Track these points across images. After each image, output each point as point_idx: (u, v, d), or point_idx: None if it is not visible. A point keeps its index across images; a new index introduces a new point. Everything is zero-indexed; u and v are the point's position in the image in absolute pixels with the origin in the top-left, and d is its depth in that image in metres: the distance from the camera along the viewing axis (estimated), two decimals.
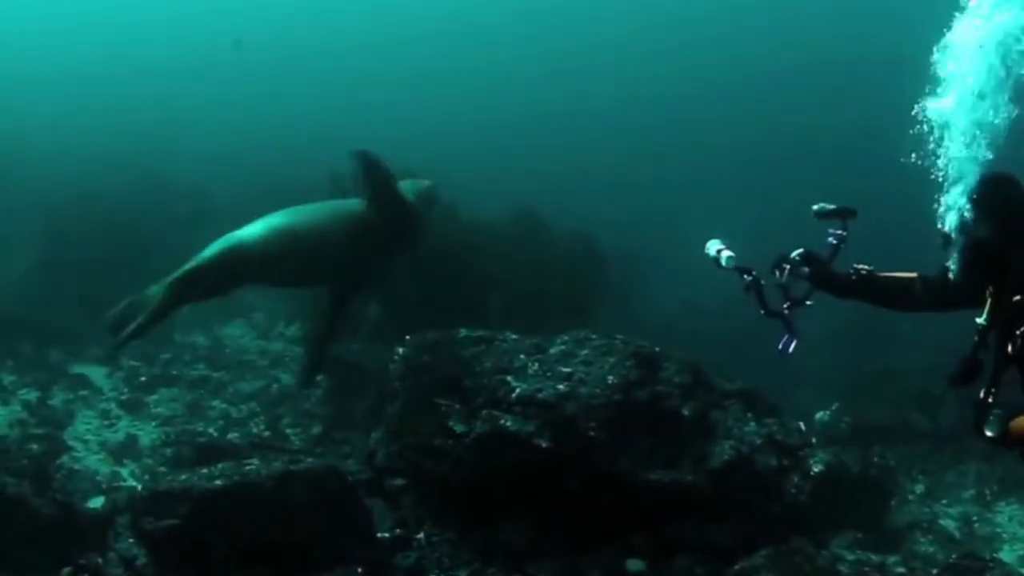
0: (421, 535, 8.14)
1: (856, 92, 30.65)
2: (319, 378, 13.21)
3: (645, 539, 7.79)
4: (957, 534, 11.39)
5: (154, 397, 13.40)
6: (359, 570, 7.06)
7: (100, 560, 7.28)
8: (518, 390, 7.69)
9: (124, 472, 10.76)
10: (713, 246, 5.08)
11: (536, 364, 8.03)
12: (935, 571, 7.32)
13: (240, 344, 16.37)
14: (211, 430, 12.26)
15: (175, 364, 14.75)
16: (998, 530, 12.26)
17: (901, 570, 7.40)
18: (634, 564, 7.68)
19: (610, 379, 7.77)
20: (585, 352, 8.14)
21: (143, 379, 13.83)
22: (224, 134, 28.90)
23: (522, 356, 8.18)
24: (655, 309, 16.89)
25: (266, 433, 12.30)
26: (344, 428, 11.68)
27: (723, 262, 4.99)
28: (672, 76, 40.39)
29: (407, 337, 9.26)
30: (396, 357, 9.12)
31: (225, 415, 13.07)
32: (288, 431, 12.42)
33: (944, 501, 12.90)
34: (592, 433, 7.53)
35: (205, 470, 7.60)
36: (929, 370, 13.03)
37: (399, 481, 8.68)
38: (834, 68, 35.18)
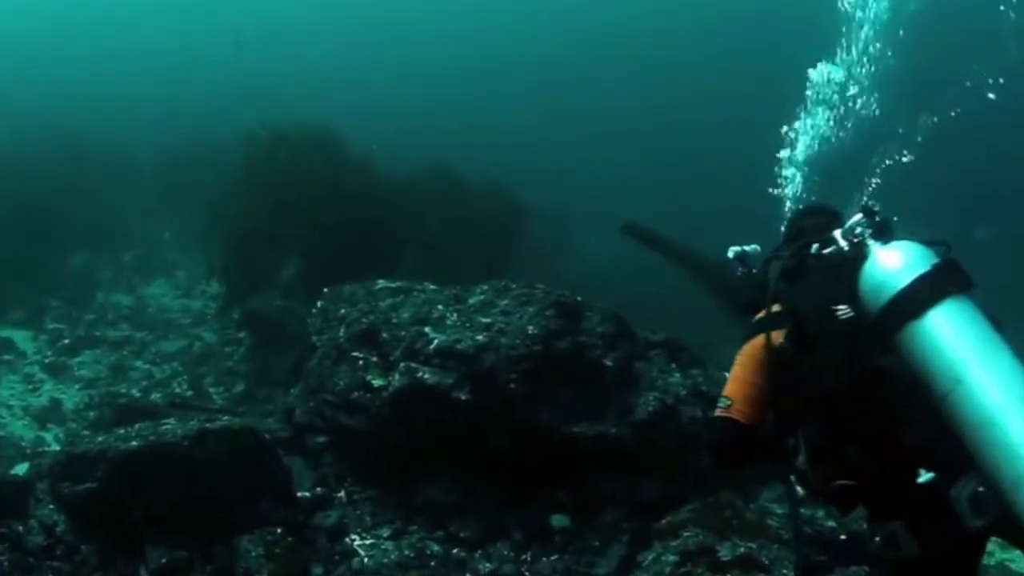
0: (342, 494, 7.98)
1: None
2: (241, 335, 13.11)
3: (571, 495, 7.63)
4: None
5: (78, 360, 13.21)
6: (278, 531, 6.84)
7: (20, 528, 7.06)
8: (436, 341, 7.48)
9: (48, 437, 10.69)
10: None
11: (455, 314, 7.83)
12: (865, 524, 7.16)
13: (163, 303, 16.21)
14: (134, 391, 12.05)
15: (98, 325, 14.56)
16: None
17: (831, 523, 7.20)
18: (559, 520, 7.54)
19: (530, 329, 7.57)
20: (505, 302, 7.94)
21: (67, 342, 13.60)
22: (144, 92, 28.43)
23: (440, 307, 7.96)
24: (575, 264, 16.83)
25: (189, 393, 12.09)
26: (267, 386, 11.52)
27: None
28: (594, 33, 40.41)
29: (325, 290, 9.07)
30: (314, 310, 8.93)
31: (148, 375, 12.96)
32: (211, 390, 12.27)
33: None
34: (512, 385, 7.35)
35: (122, 431, 7.39)
36: None
37: (321, 439, 8.51)
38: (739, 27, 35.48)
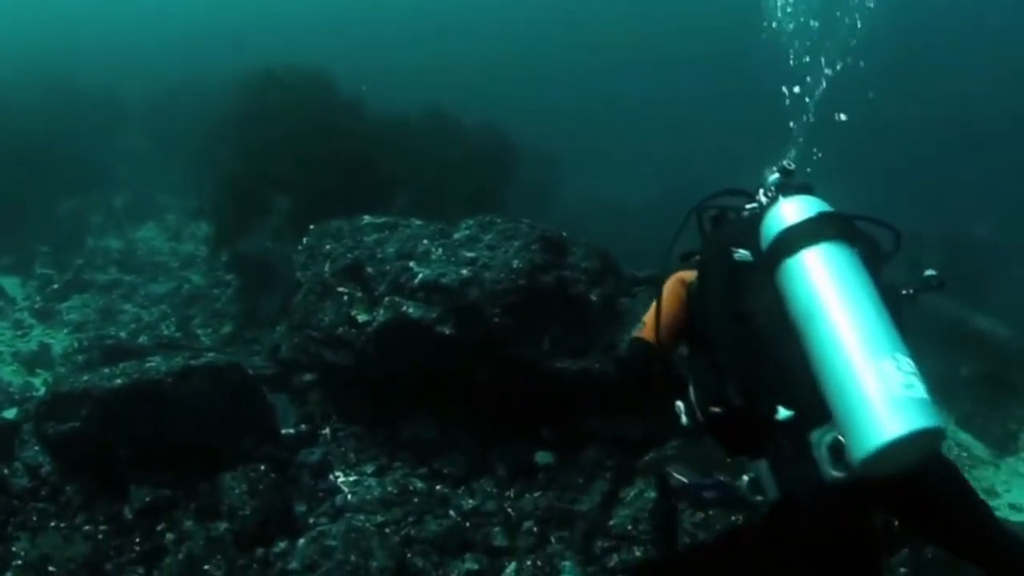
0: (327, 431, 7.95)
1: None
2: (230, 276, 13.07)
3: (555, 431, 7.59)
4: None
5: (67, 304, 13.18)
6: (262, 467, 6.81)
7: (6, 470, 7.01)
8: (420, 276, 7.40)
9: (37, 382, 10.68)
10: None
11: (440, 249, 7.75)
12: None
13: (152, 246, 16.16)
14: (122, 334, 12.01)
15: (87, 269, 14.54)
16: None
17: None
18: (543, 456, 7.52)
19: (515, 263, 7.50)
20: (489, 236, 7.88)
21: (55, 287, 13.55)
22: (134, 35, 28.24)
23: (425, 241, 7.89)
24: (566, 204, 16.78)
25: (177, 335, 12.05)
26: (255, 327, 11.48)
27: None
28: None
29: (311, 226, 8.99)
30: (300, 247, 8.86)
31: (137, 318, 12.91)
32: (199, 331, 12.24)
33: None
34: (496, 320, 7.29)
35: (106, 370, 7.31)
36: None
37: (307, 377, 8.47)
38: None
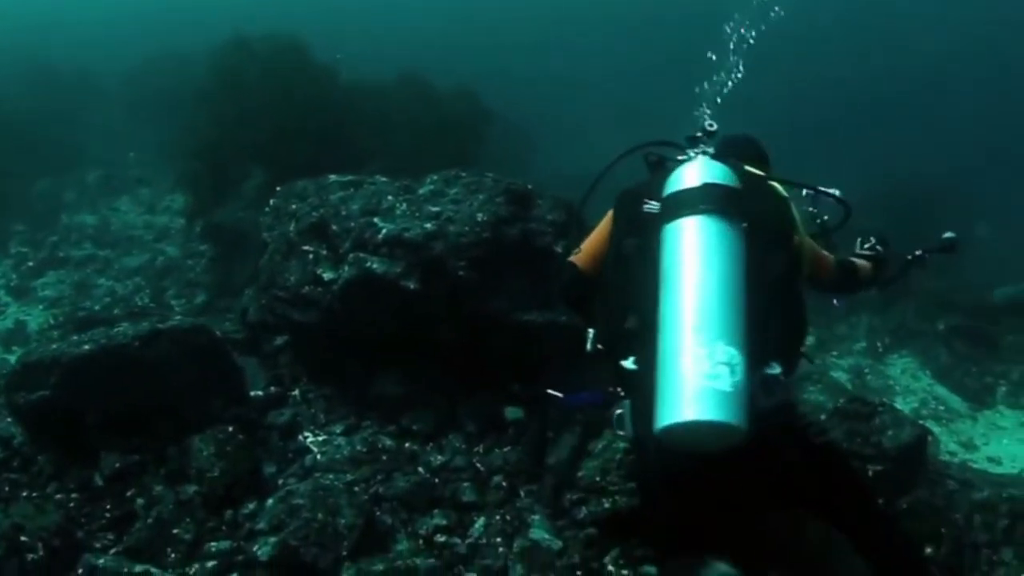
0: (296, 392, 7.90)
1: None
2: (203, 247, 13.03)
3: (525, 386, 7.53)
4: (848, 385, 11.46)
5: (42, 280, 13.14)
6: (230, 429, 6.75)
7: None
8: (384, 231, 7.32)
9: (12, 359, 10.51)
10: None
11: (404, 204, 7.67)
12: (823, 416, 7.15)
13: (126, 220, 16.16)
14: (96, 307, 11.98)
15: (62, 246, 14.53)
16: (890, 382, 12.46)
17: None
18: (513, 412, 7.44)
19: (479, 216, 7.42)
20: (455, 191, 7.80)
21: (31, 264, 13.51)
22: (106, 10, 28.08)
23: (390, 197, 7.80)
24: (540, 170, 16.75)
25: (151, 306, 12.02)
26: (228, 295, 11.46)
27: None
28: None
29: (278, 188, 8.92)
30: (267, 208, 8.79)
31: (111, 292, 12.92)
32: (173, 302, 12.23)
33: (835, 353, 13.05)
34: (461, 273, 7.20)
35: (76, 337, 7.25)
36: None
37: (278, 341, 8.40)
38: None
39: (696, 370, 3.70)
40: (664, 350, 3.86)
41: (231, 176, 13.07)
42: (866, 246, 5.30)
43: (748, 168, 4.65)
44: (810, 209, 5.19)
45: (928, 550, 6.17)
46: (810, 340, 13.03)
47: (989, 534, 6.43)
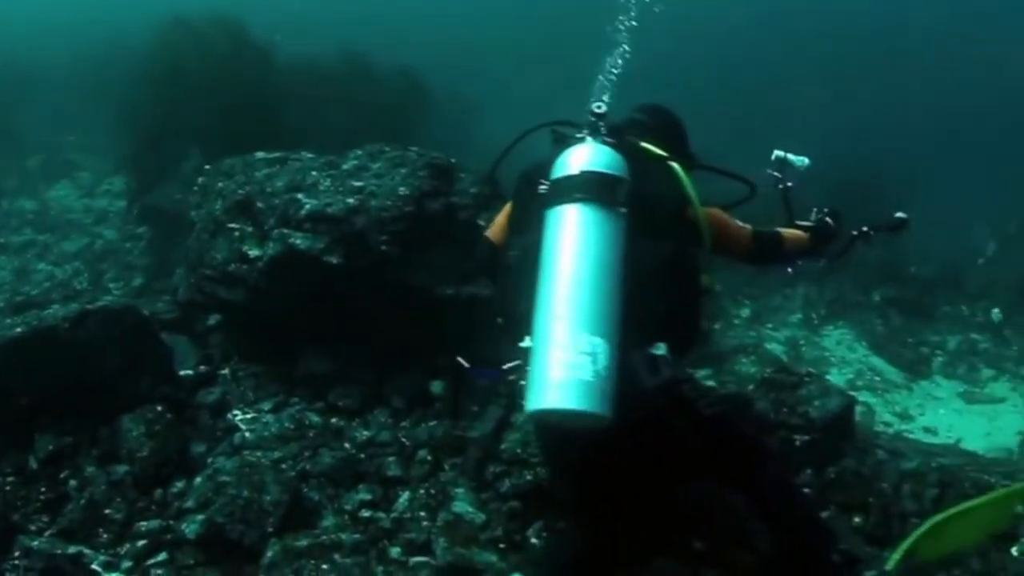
0: (226, 371, 7.87)
1: None
2: (141, 229, 12.96)
3: (452, 360, 7.54)
4: (784, 357, 11.51)
5: None
6: (159, 408, 6.73)
7: None
8: (307, 207, 7.29)
9: None
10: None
11: (328, 180, 7.63)
12: (751, 387, 7.19)
13: (65, 204, 15.99)
14: (35, 292, 11.89)
15: (2, 232, 14.39)
16: (826, 353, 12.53)
17: (711, 383, 7.16)
18: (440, 386, 7.49)
19: (401, 190, 7.40)
20: (378, 165, 7.77)
21: None
22: None
23: (315, 173, 7.76)
24: (483, 147, 16.75)
25: (88, 289, 11.95)
26: (165, 277, 11.38)
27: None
28: None
29: (206, 167, 8.87)
30: (195, 187, 8.74)
31: (50, 276, 12.78)
32: (111, 285, 12.11)
33: (770, 325, 13.10)
34: (384, 247, 7.19)
35: (8, 320, 7.20)
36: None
37: (210, 322, 8.36)
38: None
39: (559, 359, 3.84)
40: (536, 337, 4.00)
41: (169, 158, 12.99)
42: (815, 218, 5.33)
43: (645, 145, 4.73)
44: (774, 173, 5.30)
45: (856, 520, 6.21)
46: (745, 313, 13.20)
47: (918, 503, 6.42)
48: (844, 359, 12.68)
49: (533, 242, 4.27)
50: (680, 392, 4.60)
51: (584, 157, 4.26)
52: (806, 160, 5.26)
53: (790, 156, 5.24)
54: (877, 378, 12.41)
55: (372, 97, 13.51)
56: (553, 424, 4.12)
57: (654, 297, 4.24)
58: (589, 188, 4.14)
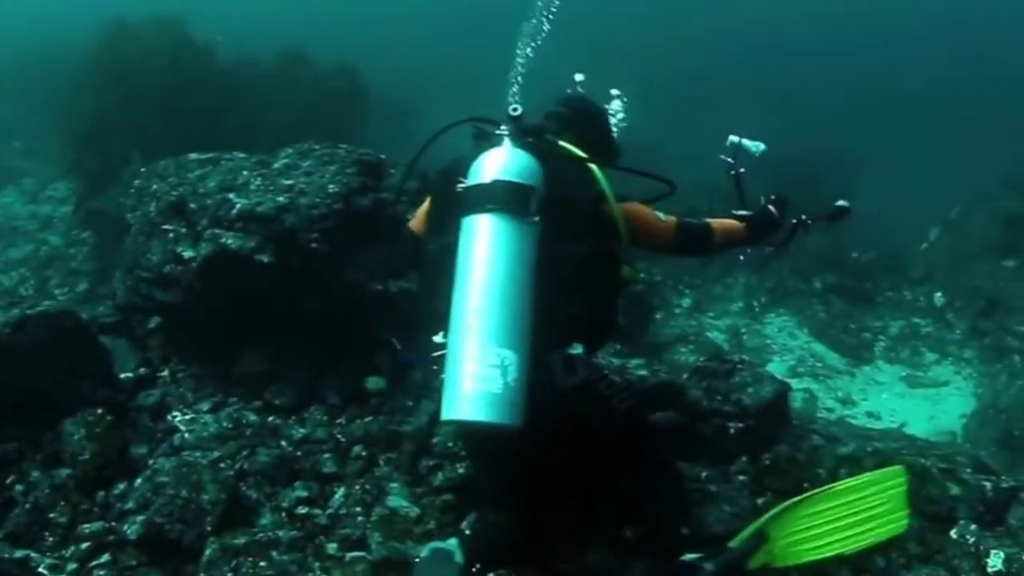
0: (166, 373, 7.88)
1: None
2: (85, 235, 12.94)
3: (388, 357, 7.60)
4: (725, 346, 11.57)
5: None
6: (99, 411, 6.74)
7: None
8: (238, 206, 7.32)
9: None
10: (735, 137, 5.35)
11: (259, 179, 7.67)
12: (685, 375, 7.25)
13: (10, 211, 15.93)
14: None
15: None
16: (767, 341, 12.61)
17: (643, 372, 7.22)
18: (375, 382, 7.53)
19: (330, 187, 7.45)
20: (308, 163, 7.82)
21: None
22: None
23: (246, 172, 7.80)
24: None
25: (33, 296, 11.91)
26: (109, 282, 11.34)
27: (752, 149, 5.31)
28: None
29: (142, 169, 8.89)
30: (131, 190, 8.75)
31: None
32: (56, 291, 12.09)
33: (711, 314, 13.16)
34: (314, 244, 7.23)
35: None
36: (693, 185, 13.12)
37: (151, 325, 8.36)
38: None
39: (469, 372, 3.98)
40: (449, 347, 4.14)
41: (112, 162, 12.99)
42: (763, 205, 5.36)
43: (562, 144, 4.77)
44: (727, 159, 5.35)
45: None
46: (686, 302, 13.29)
47: None
48: (786, 346, 12.79)
49: (450, 246, 4.33)
50: (596, 389, 4.69)
51: (497, 164, 4.29)
52: (762, 145, 5.30)
53: (745, 141, 5.28)
54: (819, 364, 12.51)
55: (311, 95, 13.55)
56: (468, 431, 4.24)
57: (569, 299, 4.34)
58: (500, 199, 4.17)
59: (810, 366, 12.36)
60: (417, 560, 5.34)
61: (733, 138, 5.33)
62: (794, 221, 5.39)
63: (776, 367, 11.77)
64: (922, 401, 11.83)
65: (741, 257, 5.57)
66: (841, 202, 5.34)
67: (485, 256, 4.10)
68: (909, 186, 19.85)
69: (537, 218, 4.19)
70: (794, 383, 11.50)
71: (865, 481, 5.24)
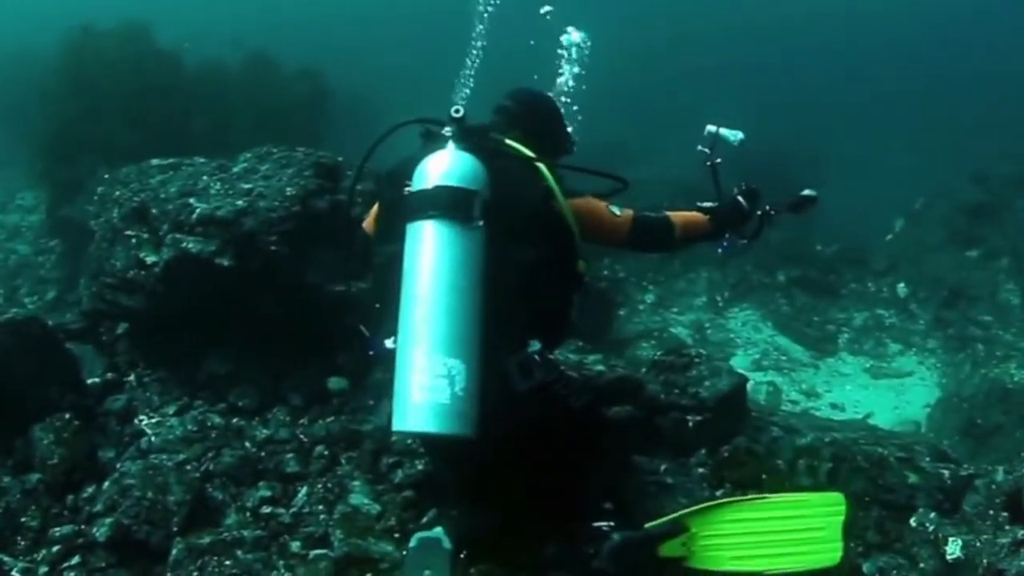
0: (132, 378, 7.94)
1: None
2: (53, 243, 12.98)
3: (350, 357, 7.70)
4: (689, 341, 11.63)
5: None
6: (67, 416, 6.82)
7: None
8: (198, 211, 7.41)
9: None
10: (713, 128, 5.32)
11: (219, 183, 7.77)
12: (644, 369, 7.33)
13: None
14: None
15: None
16: (731, 335, 12.66)
17: (600, 368, 7.34)
18: (336, 382, 7.64)
19: (288, 190, 7.55)
20: (266, 167, 7.93)
21: None
22: None
23: (205, 177, 7.90)
24: (390, 147, 16.88)
25: (3, 304, 11.95)
26: (77, 290, 11.39)
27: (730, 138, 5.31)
28: None
29: (105, 176, 8.97)
30: (95, 197, 8.82)
31: None
32: (25, 300, 12.09)
33: (675, 309, 13.20)
34: (274, 247, 7.33)
35: None
36: (659, 182, 13.23)
37: (119, 331, 8.43)
38: None
39: (417, 382, 3.99)
40: (398, 357, 4.13)
41: (79, 170, 13.02)
42: (735, 195, 5.33)
43: (509, 143, 4.72)
44: (704, 149, 5.32)
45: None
46: (650, 298, 13.37)
47: (812, 478, 6.58)
48: (750, 340, 12.86)
49: (396, 253, 4.31)
50: (553, 390, 4.60)
51: (439, 168, 4.25)
52: (740, 134, 5.29)
53: (723, 131, 5.26)
54: (783, 357, 12.59)
55: (276, 99, 13.61)
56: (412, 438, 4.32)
57: (520, 302, 4.34)
58: (442, 205, 4.14)
59: (774, 359, 12.43)
60: (406, 552, 5.35)
61: (711, 128, 5.30)
62: (759, 213, 5.38)
63: (740, 361, 11.86)
64: (886, 392, 11.94)
65: (719, 250, 5.54)
66: (807, 191, 5.34)
67: (429, 264, 4.09)
68: (875, 179, 20.08)
69: (481, 222, 4.17)
70: (758, 377, 11.68)
71: (803, 500, 5.25)
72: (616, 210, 4.82)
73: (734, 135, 5.30)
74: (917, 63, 36.55)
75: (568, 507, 5.23)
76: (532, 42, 5.89)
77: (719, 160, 5.32)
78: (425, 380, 3.95)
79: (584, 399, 4.96)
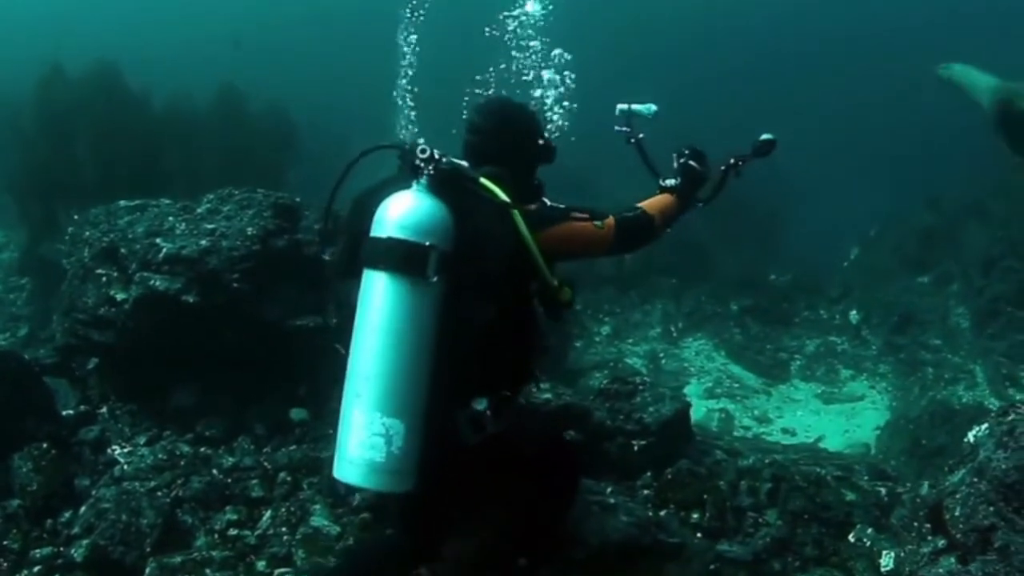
0: (105, 410, 8.21)
1: None
2: (24, 280, 13.18)
3: (310, 389, 8.03)
4: (644, 370, 11.82)
5: None
6: (44, 445, 7.12)
7: None
8: (165, 250, 7.76)
9: None
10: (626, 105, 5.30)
11: (184, 224, 8.12)
12: (592, 397, 7.60)
13: None
14: None
15: None
16: (685, 364, 12.83)
17: (547, 396, 7.48)
18: (297, 413, 8.02)
19: (249, 230, 7.93)
20: (228, 207, 8.28)
21: None
22: None
23: (171, 218, 8.24)
24: (355, 180, 17.07)
25: None
26: (50, 326, 11.58)
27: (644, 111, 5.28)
28: None
29: (75, 217, 9.28)
30: (66, 237, 9.14)
31: None
32: None
33: (631, 340, 13.36)
34: (236, 284, 7.72)
35: None
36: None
37: (90, 366, 8.69)
38: None
39: (355, 437, 4.01)
40: (343, 405, 4.12)
41: (51, 209, 13.23)
42: (676, 165, 5.21)
43: (481, 182, 4.33)
44: (623, 128, 5.30)
45: (694, 515, 6.73)
46: (606, 330, 13.60)
47: (753, 498, 6.96)
48: (703, 368, 13.01)
49: (354, 293, 4.17)
50: (507, 438, 4.50)
51: (397, 216, 4.03)
52: (653, 107, 5.21)
53: (635, 106, 5.21)
54: (736, 385, 12.73)
55: (242, 137, 13.82)
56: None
57: (474, 357, 4.20)
58: (395, 259, 3.97)
59: (727, 387, 12.57)
60: None
61: (622, 106, 5.25)
62: (722, 167, 5.23)
63: (693, 389, 12.06)
64: (836, 416, 12.14)
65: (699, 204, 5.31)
66: (765, 135, 5.19)
67: (377, 319, 3.98)
68: (833, 209, 20.30)
69: (436, 278, 3.97)
70: (711, 404, 11.92)
71: None
72: (598, 223, 4.63)
73: (647, 108, 5.25)
74: (877, 89, 36.86)
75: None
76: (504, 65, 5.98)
77: (641, 135, 5.28)
78: (362, 436, 3.95)
79: (536, 446, 5.02)
